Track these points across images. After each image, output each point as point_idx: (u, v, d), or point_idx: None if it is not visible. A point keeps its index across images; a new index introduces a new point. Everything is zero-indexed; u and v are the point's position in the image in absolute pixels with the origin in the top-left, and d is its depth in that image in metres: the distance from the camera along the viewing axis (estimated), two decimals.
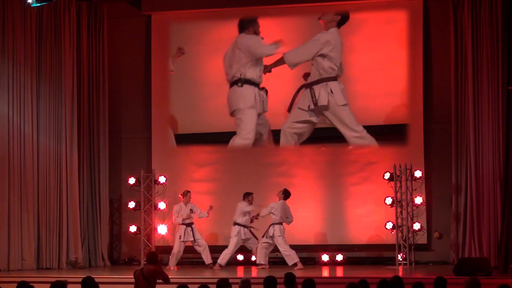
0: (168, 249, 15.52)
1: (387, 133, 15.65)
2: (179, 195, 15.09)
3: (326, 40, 15.63)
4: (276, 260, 15.34)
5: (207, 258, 14.79)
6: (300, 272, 13.25)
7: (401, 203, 14.83)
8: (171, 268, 14.58)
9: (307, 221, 15.63)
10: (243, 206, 14.76)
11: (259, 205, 14.84)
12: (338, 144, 15.79)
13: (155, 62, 16.57)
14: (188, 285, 8.20)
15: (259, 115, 15.94)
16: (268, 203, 14.62)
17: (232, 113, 15.97)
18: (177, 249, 14.80)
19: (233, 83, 15.95)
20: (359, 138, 15.58)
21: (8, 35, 14.63)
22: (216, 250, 15.07)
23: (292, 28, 16.16)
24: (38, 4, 12.99)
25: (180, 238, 14.77)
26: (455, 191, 14.85)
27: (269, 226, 14.45)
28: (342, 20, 15.77)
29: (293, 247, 14.65)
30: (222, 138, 16.19)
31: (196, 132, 16.45)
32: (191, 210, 14.86)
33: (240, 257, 15.43)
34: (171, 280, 9.73)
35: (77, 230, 15.32)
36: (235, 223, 14.74)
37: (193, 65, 16.51)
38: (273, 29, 16.10)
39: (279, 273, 8.96)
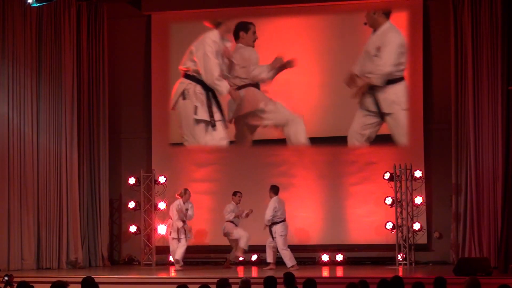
0: (168, 249, 15.53)
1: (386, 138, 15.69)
2: None
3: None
4: (276, 260, 15.36)
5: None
6: (299, 272, 13.23)
7: (401, 203, 14.82)
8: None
9: (307, 221, 15.63)
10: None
11: (259, 205, 14.80)
12: (338, 144, 15.79)
13: (155, 62, 16.56)
14: (188, 285, 8.19)
15: None
16: (268, 203, 14.55)
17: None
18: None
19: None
20: None
21: (8, 35, 14.63)
22: (220, 250, 15.35)
23: (291, 29, 16.14)
24: (38, 4, 13.00)
25: None
26: (455, 191, 14.84)
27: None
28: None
29: (293, 247, 14.62)
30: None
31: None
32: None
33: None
34: (172, 280, 9.72)
35: (77, 230, 15.31)
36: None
37: None
38: (272, 29, 16.10)
39: (279, 273, 8.94)
